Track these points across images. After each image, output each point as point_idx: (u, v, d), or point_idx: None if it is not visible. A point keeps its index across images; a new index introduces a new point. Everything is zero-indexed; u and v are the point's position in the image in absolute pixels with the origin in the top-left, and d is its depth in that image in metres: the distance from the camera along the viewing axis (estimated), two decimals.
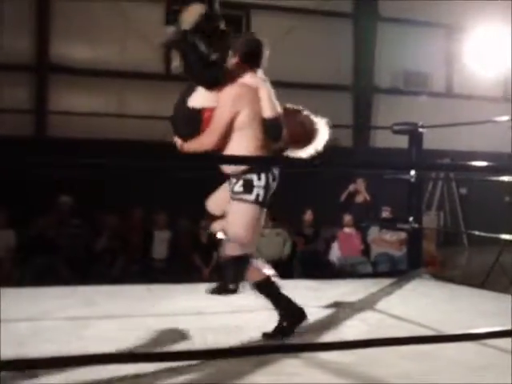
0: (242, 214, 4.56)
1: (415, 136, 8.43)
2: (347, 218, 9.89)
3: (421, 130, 8.47)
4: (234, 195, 4.58)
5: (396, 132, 8.66)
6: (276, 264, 9.53)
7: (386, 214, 10.04)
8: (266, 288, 4.71)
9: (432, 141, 8.92)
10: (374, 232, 10.08)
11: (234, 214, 4.60)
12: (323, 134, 4.91)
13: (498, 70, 12.86)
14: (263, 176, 4.56)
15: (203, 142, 4.55)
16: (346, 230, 9.87)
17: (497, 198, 11.41)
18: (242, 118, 4.55)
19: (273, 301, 4.75)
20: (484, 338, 3.62)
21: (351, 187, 10.54)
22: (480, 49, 13.02)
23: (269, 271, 4.75)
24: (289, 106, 5.00)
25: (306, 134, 4.90)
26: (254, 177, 4.53)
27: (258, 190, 4.54)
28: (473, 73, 13.00)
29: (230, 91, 4.61)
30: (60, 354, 3.57)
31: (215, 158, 4.21)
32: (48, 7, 11.17)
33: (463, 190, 13.30)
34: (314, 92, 12.53)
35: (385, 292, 7.08)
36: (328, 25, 12.79)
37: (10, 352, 4.23)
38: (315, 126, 4.92)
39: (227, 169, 4.62)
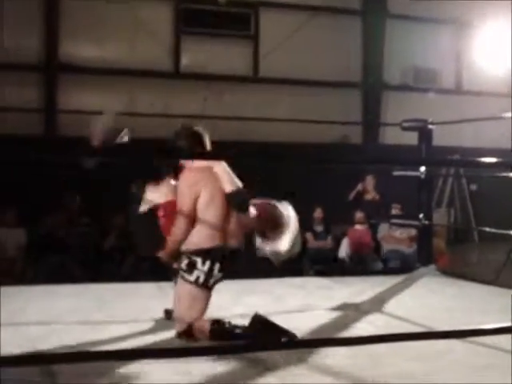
0: (182, 292, 4.65)
1: (425, 132, 8.43)
2: (359, 215, 9.87)
3: (430, 126, 8.46)
4: (180, 271, 4.66)
5: (405, 129, 8.66)
6: (286, 261, 9.57)
7: (395, 211, 10.02)
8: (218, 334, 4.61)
9: (441, 137, 8.90)
10: (383, 229, 10.06)
11: (177, 291, 4.70)
12: (292, 225, 4.94)
13: (508, 66, 12.81)
14: (208, 262, 4.60)
15: (176, 235, 4.65)
16: (357, 227, 9.86)
17: (507, 195, 11.36)
18: (204, 200, 4.63)
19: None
20: (492, 334, 3.60)
21: (359, 186, 10.52)
22: (489, 45, 12.98)
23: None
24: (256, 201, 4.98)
25: (275, 222, 4.93)
26: (199, 260, 4.58)
27: (199, 273, 4.58)
28: (482, 69, 12.96)
29: (185, 179, 4.70)
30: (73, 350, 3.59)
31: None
32: (57, 6, 11.17)
33: (473, 187, 13.25)
34: (323, 89, 12.52)
35: (394, 290, 7.08)
36: (337, 22, 12.76)
37: (24, 349, 4.25)
38: (283, 217, 4.94)
39: (183, 246, 4.70)
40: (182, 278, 4.62)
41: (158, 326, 5.17)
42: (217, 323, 4.57)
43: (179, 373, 3.95)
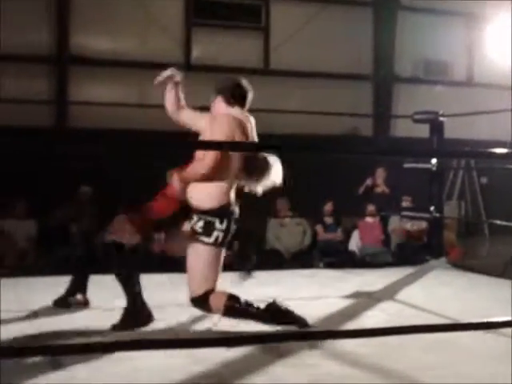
0: (199, 256, 4.61)
1: (436, 125, 8.42)
2: (370, 207, 9.86)
3: (441, 118, 8.45)
4: (193, 234, 4.61)
5: (417, 121, 8.65)
6: (296, 254, 9.60)
7: (406, 203, 10.01)
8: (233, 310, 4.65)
9: (452, 130, 8.88)
10: (394, 221, 10.05)
11: (191, 256, 4.65)
12: (276, 168, 4.90)
13: None
14: (225, 220, 4.61)
15: (204, 168, 4.57)
16: (367, 219, 9.85)
17: None
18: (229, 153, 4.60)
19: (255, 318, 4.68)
20: (503, 327, 3.60)
21: (368, 181, 10.50)
22: (501, 37, 12.92)
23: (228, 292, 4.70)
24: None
25: (259, 166, 4.85)
26: (217, 219, 4.57)
27: (218, 233, 4.57)
28: (493, 61, 12.91)
29: (224, 119, 4.70)
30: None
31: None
32: None
33: (484, 180, 13.22)
34: (334, 81, 12.49)
35: (405, 281, 7.09)
36: (348, 14, 12.73)
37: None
38: (266, 160, 4.86)
39: (194, 202, 4.65)
40: (198, 240, 4.58)
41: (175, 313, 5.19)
42: (233, 299, 4.59)
43: (191, 359, 3.98)
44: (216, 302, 4.60)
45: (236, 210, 4.76)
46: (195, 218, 4.61)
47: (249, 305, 4.62)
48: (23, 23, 10.81)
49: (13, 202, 8.99)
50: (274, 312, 4.64)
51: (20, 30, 10.75)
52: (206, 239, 4.57)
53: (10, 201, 8.96)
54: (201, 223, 4.58)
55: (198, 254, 4.61)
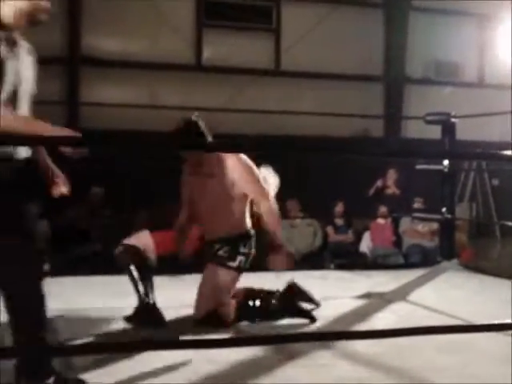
0: (218, 279, 4.68)
1: (448, 126, 8.38)
2: (382, 209, 9.84)
3: (453, 120, 8.41)
4: (216, 259, 4.70)
5: (428, 122, 8.61)
6: (307, 255, 9.59)
7: (418, 204, 9.98)
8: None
9: (464, 131, 8.84)
10: (405, 223, 10.03)
11: (210, 277, 4.71)
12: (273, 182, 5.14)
13: None
14: (248, 244, 4.77)
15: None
16: (379, 220, 9.83)
17: None
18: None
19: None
20: None
21: (379, 182, 10.49)
22: None
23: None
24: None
25: None
26: (241, 244, 4.72)
27: (241, 258, 4.70)
28: (505, 62, 12.86)
29: (240, 162, 4.73)
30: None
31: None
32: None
33: (495, 181, 13.18)
34: (344, 82, 12.48)
35: (417, 283, 7.06)
36: (359, 14, 12.72)
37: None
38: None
39: (213, 234, 4.76)
40: (222, 265, 4.67)
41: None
42: (243, 307, 4.72)
43: (203, 358, 3.97)
44: (226, 311, 4.67)
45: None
46: (218, 243, 4.72)
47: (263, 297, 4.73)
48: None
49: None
50: (292, 292, 4.83)
51: (31, 31, 10.77)
52: (230, 263, 4.68)
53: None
54: (225, 248, 4.69)
55: (219, 277, 4.69)
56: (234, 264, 4.68)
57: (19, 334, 3.19)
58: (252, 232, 4.86)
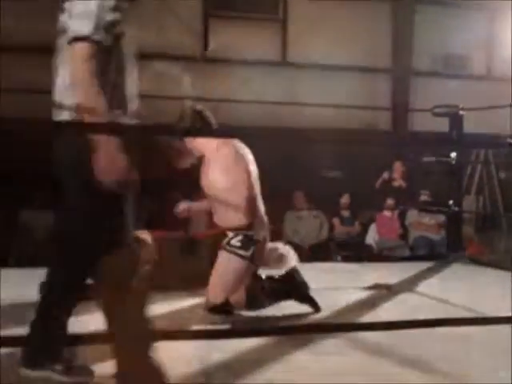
0: (231, 267, 4.70)
1: (456, 119, 8.35)
2: (389, 201, 9.81)
3: (461, 112, 8.39)
4: (230, 247, 4.71)
5: (436, 115, 8.58)
6: (313, 247, 9.57)
7: (424, 197, 9.95)
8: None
9: (472, 124, 8.81)
10: (412, 215, 10.00)
11: (223, 265, 4.72)
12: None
13: None
14: (262, 233, 4.80)
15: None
16: (385, 213, 9.81)
17: None
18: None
19: None
20: None
21: (385, 174, 10.45)
22: None
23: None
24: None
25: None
26: (254, 234, 4.73)
27: (255, 247, 4.72)
28: None
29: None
30: None
31: None
32: None
33: (502, 174, 13.12)
34: (351, 74, 12.41)
35: (423, 275, 7.06)
36: (366, 7, 12.64)
37: None
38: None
39: (226, 223, 4.78)
40: (235, 254, 4.69)
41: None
42: (252, 293, 4.72)
43: (210, 347, 3.97)
44: (238, 299, 4.68)
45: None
46: (232, 233, 4.73)
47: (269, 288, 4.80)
48: (48, 13, 10.81)
49: (31, 193, 9.01)
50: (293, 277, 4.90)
51: (44, 21, 10.77)
52: (243, 253, 4.69)
53: (29, 191, 8.98)
54: (239, 237, 4.70)
55: (232, 266, 4.70)
56: (247, 253, 4.69)
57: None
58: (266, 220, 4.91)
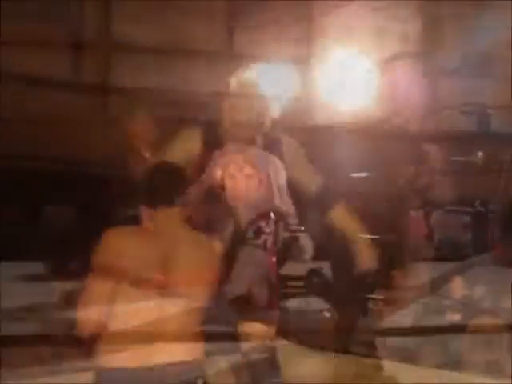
0: (255, 262, 4.64)
1: (484, 117, 8.27)
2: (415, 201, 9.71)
3: (489, 110, 8.30)
4: (251, 241, 4.67)
5: (464, 113, 8.51)
6: None
7: (450, 197, 9.84)
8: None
9: (499, 123, 8.71)
10: (438, 215, 9.89)
11: (245, 260, 4.64)
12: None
13: None
14: (272, 224, 4.70)
15: None
16: (411, 212, 9.71)
17: None
18: None
19: None
20: None
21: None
22: None
23: None
24: None
25: None
26: (263, 223, 4.66)
27: (266, 236, 4.65)
28: None
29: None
30: None
31: None
32: None
33: None
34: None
35: (448, 276, 6.99)
36: (396, 9, 12.59)
37: None
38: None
39: (246, 216, 4.71)
40: (247, 244, 4.64)
41: None
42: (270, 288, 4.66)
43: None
44: (258, 292, 4.66)
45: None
46: (252, 225, 4.66)
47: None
48: (64, 8, 10.86)
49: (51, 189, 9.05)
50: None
51: (61, 16, 10.79)
52: (255, 242, 4.63)
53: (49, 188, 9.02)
54: (251, 229, 4.65)
55: (254, 260, 4.65)
56: (259, 242, 4.64)
57: None
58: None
